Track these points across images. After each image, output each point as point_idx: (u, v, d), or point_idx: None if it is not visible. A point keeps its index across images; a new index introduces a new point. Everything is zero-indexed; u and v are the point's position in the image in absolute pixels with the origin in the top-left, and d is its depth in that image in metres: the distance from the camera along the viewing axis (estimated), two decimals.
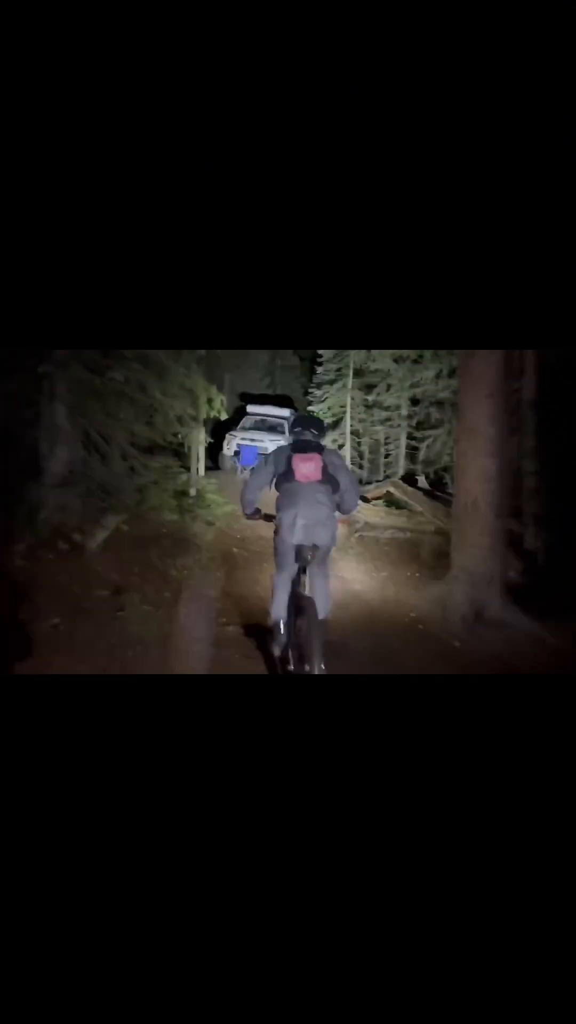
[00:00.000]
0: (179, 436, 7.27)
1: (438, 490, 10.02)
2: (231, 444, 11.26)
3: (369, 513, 8.54)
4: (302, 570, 2.98)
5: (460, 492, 4.78)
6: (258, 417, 12.18)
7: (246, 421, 12.10)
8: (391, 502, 9.54)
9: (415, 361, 9.40)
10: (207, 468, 9.51)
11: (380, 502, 9.55)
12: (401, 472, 11.37)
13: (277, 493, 2.97)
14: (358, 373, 11.02)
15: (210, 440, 9.35)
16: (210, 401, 7.25)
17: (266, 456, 3.11)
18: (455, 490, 4.93)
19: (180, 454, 8.23)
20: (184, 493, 7.81)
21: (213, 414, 7.53)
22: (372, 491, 10.21)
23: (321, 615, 2.94)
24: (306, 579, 3.03)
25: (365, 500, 9.31)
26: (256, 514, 3.10)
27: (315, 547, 2.90)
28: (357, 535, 7.59)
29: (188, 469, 8.08)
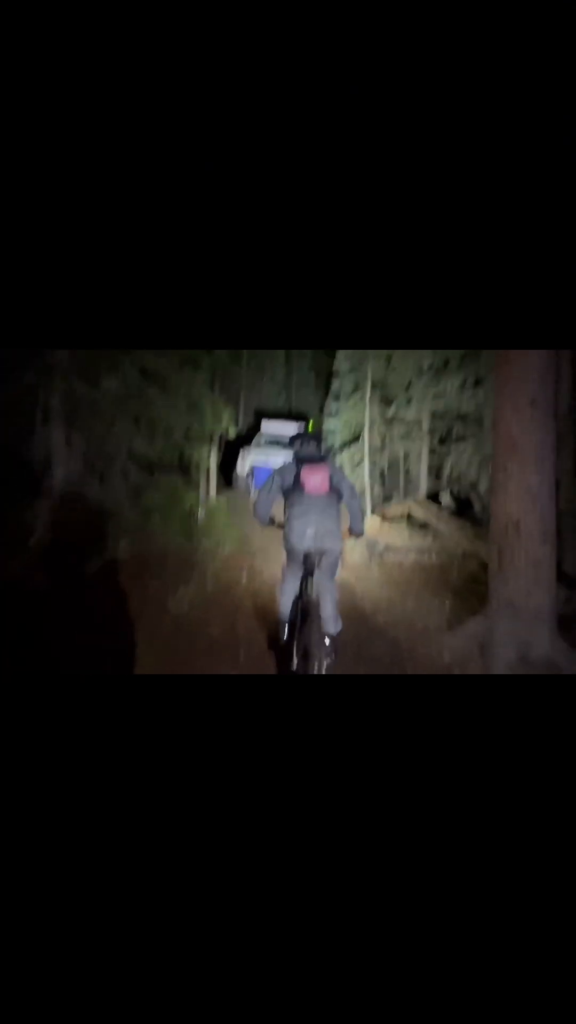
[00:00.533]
0: (185, 454, 6.62)
1: (465, 509, 9.24)
2: (245, 463, 10.75)
3: (390, 534, 7.81)
4: (309, 574, 3.14)
5: (498, 513, 4.15)
6: (273, 435, 11.69)
7: (260, 439, 11.63)
8: (414, 522, 8.77)
9: (438, 370, 8.70)
10: (219, 488, 9.00)
11: (402, 522, 8.81)
12: (423, 490, 10.63)
13: (284, 502, 3.16)
14: (376, 385, 10.33)
15: (221, 458, 8.67)
16: (218, 416, 6.59)
17: (273, 475, 3.28)
18: (491, 511, 4.30)
19: (189, 473, 7.63)
20: (192, 515, 7.09)
21: (221, 430, 6.82)
22: (392, 509, 9.37)
23: (330, 629, 3.14)
24: (313, 585, 3.19)
25: (383, 518, 8.91)
26: (272, 523, 3.34)
27: (323, 553, 3.09)
28: (378, 558, 6.82)
29: (197, 489, 7.39)
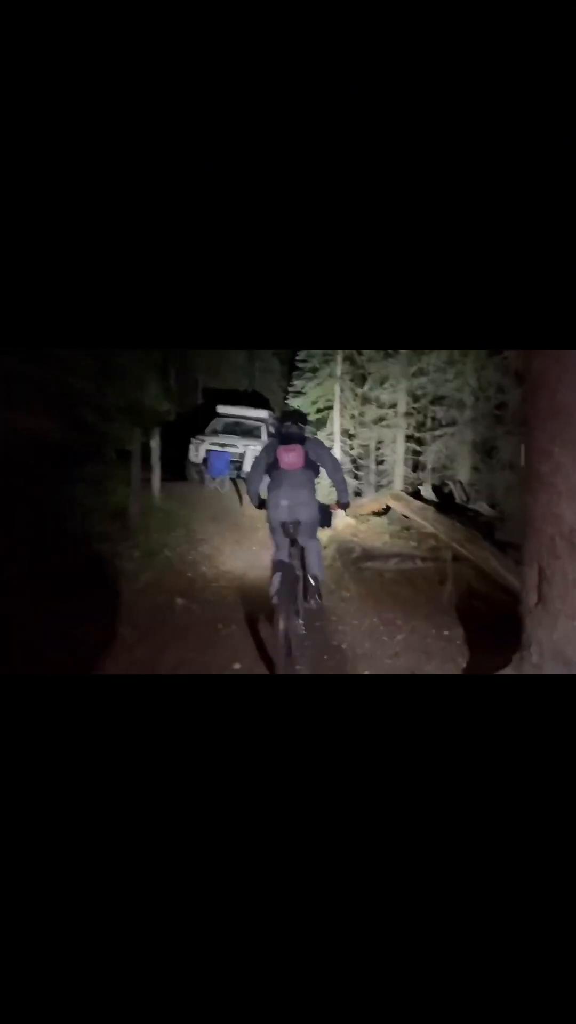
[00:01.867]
0: (111, 438, 5.06)
1: (448, 504, 7.79)
2: (199, 450, 9.54)
3: (368, 536, 6.33)
4: (293, 539, 3.40)
5: (539, 520, 2.90)
6: (230, 419, 10.54)
7: (216, 423, 10.37)
8: (393, 520, 7.27)
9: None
10: (164, 479, 7.52)
11: (382, 521, 7.31)
12: (399, 483, 9.14)
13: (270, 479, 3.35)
14: (347, 360, 8.82)
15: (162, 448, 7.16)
16: (153, 395, 5.05)
17: (261, 451, 3.54)
18: (528, 517, 3.02)
19: (123, 461, 6.26)
20: (123, 513, 5.72)
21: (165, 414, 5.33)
22: (366, 504, 8.17)
23: (315, 572, 3.57)
24: (299, 546, 3.48)
25: (356, 517, 7.75)
26: (263, 504, 3.47)
27: (298, 522, 3.36)
28: (354, 568, 5.65)
29: (130, 482, 5.83)
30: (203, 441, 9.58)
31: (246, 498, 6.42)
